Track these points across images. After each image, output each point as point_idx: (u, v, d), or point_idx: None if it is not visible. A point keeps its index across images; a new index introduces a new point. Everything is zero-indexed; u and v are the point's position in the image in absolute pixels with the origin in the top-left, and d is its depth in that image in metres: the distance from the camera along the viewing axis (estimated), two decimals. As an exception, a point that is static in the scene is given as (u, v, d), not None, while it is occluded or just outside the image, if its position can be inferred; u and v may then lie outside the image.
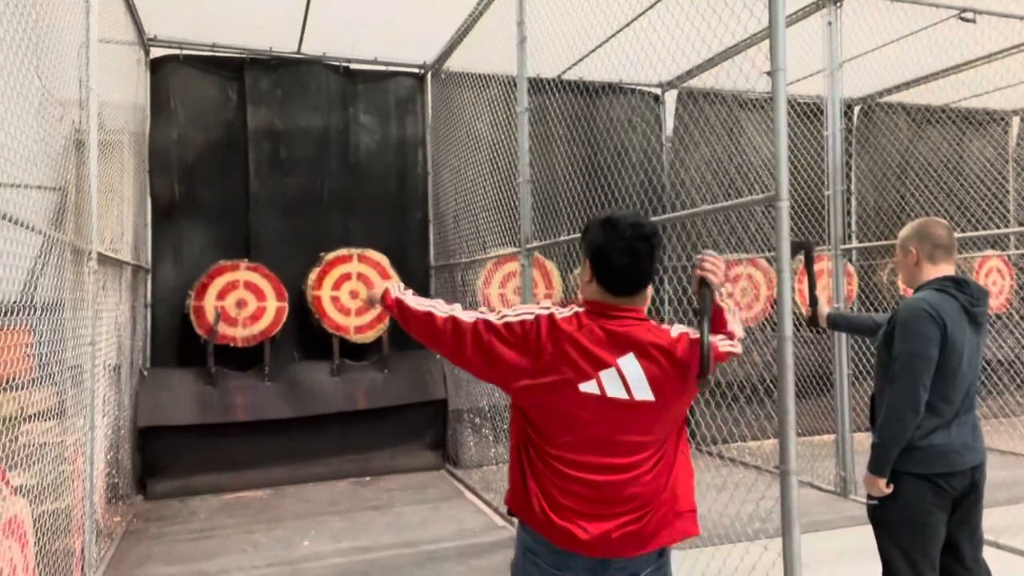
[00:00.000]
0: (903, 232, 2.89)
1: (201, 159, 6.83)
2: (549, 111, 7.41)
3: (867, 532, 4.99)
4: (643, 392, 1.92)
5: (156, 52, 6.66)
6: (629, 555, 1.95)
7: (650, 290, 2.06)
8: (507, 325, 1.97)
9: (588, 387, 1.91)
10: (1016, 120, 9.10)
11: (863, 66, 7.00)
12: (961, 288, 2.70)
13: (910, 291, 2.88)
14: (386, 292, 2.26)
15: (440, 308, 2.10)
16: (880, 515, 2.77)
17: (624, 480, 1.93)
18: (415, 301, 2.17)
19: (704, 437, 7.50)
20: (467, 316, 2.04)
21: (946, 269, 2.78)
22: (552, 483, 1.95)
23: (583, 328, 1.94)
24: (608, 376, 1.91)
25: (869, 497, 2.78)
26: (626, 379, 1.92)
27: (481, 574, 4.28)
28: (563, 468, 1.94)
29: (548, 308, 2.00)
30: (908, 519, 2.69)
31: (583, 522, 1.92)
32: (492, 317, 2.01)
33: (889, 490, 2.69)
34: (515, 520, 2.13)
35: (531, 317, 1.97)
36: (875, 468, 2.70)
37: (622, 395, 1.91)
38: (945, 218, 8.09)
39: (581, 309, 2.00)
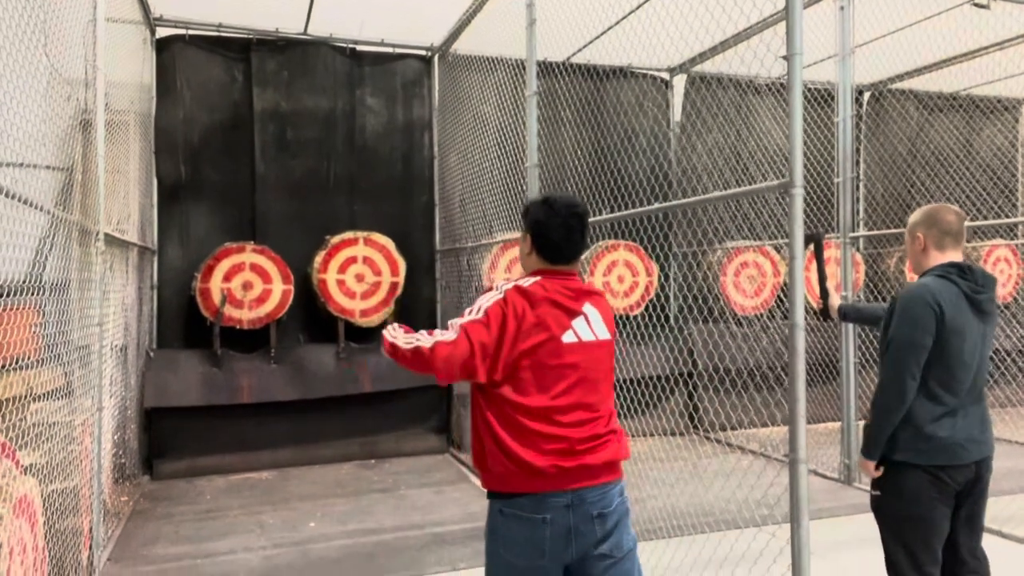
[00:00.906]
0: (912, 217, 2.84)
1: (207, 140, 6.81)
2: (557, 95, 7.35)
3: (870, 520, 5.00)
4: (602, 332, 2.27)
5: (162, 32, 6.62)
6: (608, 480, 2.20)
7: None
8: (486, 313, 2.15)
9: (568, 337, 2.19)
10: (1027, 108, 9.02)
11: (874, 52, 6.92)
12: (964, 274, 2.65)
13: (915, 277, 2.85)
14: (383, 340, 2.30)
15: (424, 339, 2.17)
16: (882, 507, 2.75)
17: (601, 414, 2.22)
18: (404, 339, 2.23)
19: (712, 424, 7.51)
20: (450, 334, 2.15)
21: (953, 256, 2.72)
22: (544, 436, 2.13)
23: (550, 289, 2.20)
24: (579, 323, 2.22)
25: (872, 488, 2.78)
26: (590, 322, 2.24)
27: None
28: (558, 417, 2.15)
29: (506, 284, 2.22)
30: (910, 512, 2.66)
31: (582, 458, 2.15)
32: (469, 317, 2.17)
33: (878, 474, 2.71)
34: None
35: (500, 296, 2.18)
36: (865, 451, 2.72)
37: (591, 337, 2.23)
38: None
39: (537, 278, 2.24)
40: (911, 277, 8.18)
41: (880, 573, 4.06)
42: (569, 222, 2.25)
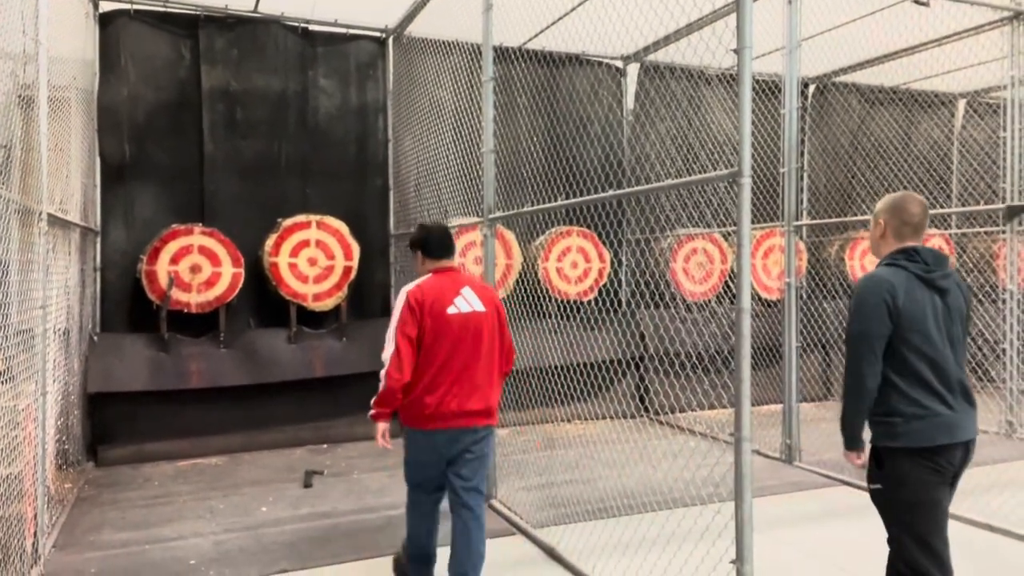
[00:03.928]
0: (880, 203, 2.80)
1: (153, 119, 6.63)
2: (513, 81, 7.37)
3: (810, 497, 5.23)
4: (479, 305, 3.37)
5: (105, 6, 6.40)
6: (480, 424, 3.35)
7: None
8: (403, 320, 3.25)
9: (452, 309, 3.30)
10: (962, 103, 9.40)
11: (820, 46, 7.13)
12: (911, 258, 2.64)
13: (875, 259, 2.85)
14: (374, 417, 3.39)
15: (382, 380, 3.29)
16: (885, 498, 2.64)
17: (480, 371, 3.33)
18: (379, 389, 3.32)
19: (661, 407, 7.69)
20: (390, 346, 3.25)
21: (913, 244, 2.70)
22: (445, 387, 3.27)
23: (432, 284, 3.35)
24: (459, 300, 3.33)
25: (870, 483, 2.67)
26: (468, 299, 3.35)
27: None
28: (452, 374, 3.27)
29: (403, 295, 3.31)
30: (916, 499, 2.56)
31: (466, 403, 3.29)
32: (395, 327, 3.26)
33: (860, 462, 2.70)
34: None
35: (404, 306, 3.28)
36: (845, 444, 2.71)
37: (469, 309, 3.33)
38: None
39: (430, 275, 3.42)
40: (850, 266, 8.50)
41: (815, 546, 4.25)
42: (440, 235, 3.50)
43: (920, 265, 2.63)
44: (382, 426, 3.35)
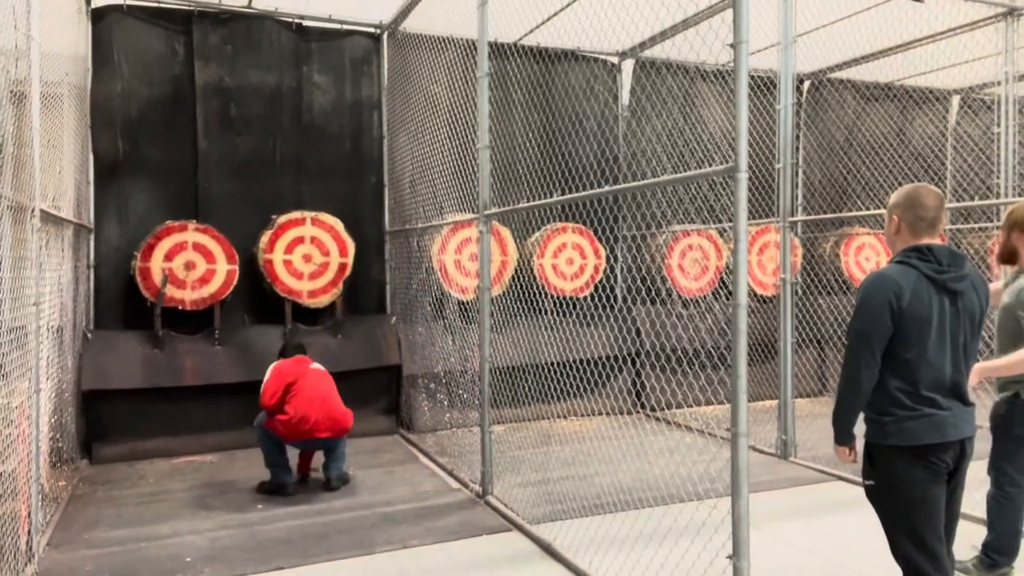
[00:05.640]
0: (893, 196, 2.68)
1: (146, 115, 6.59)
2: (508, 76, 7.35)
3: (805, 492, 5.24)
4: (321, 367, 5.36)
5: (98, 1, 6.36)
6: (336, 436, 5.16)
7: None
8: (278, 371, 5.17)
9: (311, 368, 5.30)
10: (956, 99, 9.41)
11: (815, 41, 7.13)
12: (923, 256, 2.51)
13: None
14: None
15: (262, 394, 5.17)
16: (879, 495, 2.62)
17: (333, 405, 5.19)
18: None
19: (657, 403, 7.70)
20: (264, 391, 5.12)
21: (927, 241, 2.58)
22: (313, 415, 5.03)
23: (289, 363, 5.25)
24: (310, 368, 5.27)
25: (864, 479, 2.65)
26: (314, 367, 5.29)
27: (437, 535, 4.35)
28: (308, 400, 5.05)
29: (273, 365, 5.25)
30: (910, 496, 2.54)
31: (320, 423, 5.08)
32: (270, 374, 5.16)
33: (851, 457, 2.68)
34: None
35: (277, 368, 5.18)
36: (835, 439, 2.68)
37: (317, 369, 5.32)
38: (885, 194, 8.41)
39: (280, 361, 5.31)
40: (844, 262, 8.51)
41: (811, 541, 4.27)
42: (294, 344, 5.54)
43: (932, 265, 2.51)
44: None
